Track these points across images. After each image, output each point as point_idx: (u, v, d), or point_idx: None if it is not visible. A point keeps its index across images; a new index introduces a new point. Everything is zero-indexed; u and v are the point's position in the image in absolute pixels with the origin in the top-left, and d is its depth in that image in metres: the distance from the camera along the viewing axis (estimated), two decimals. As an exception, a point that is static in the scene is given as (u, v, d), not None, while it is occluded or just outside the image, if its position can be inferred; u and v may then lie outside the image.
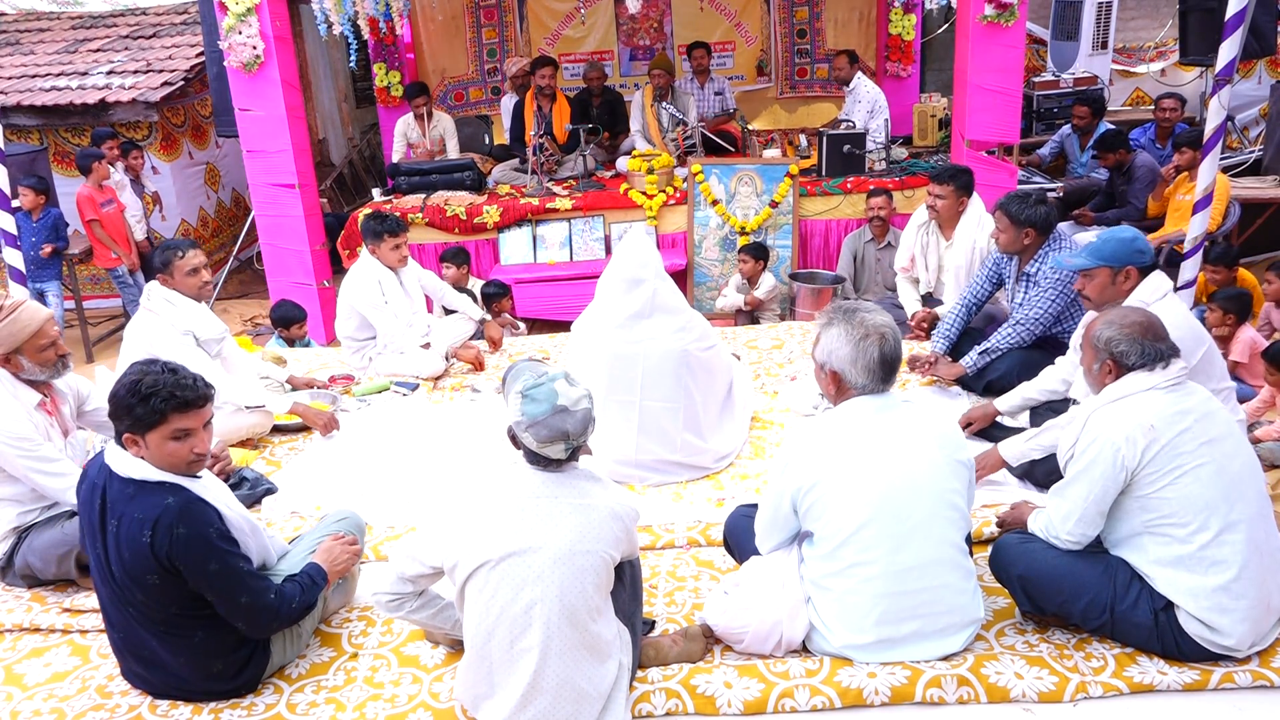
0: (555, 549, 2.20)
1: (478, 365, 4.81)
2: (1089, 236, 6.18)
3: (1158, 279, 3.21)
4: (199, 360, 3.83)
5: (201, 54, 7.69)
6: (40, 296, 6.47)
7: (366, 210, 6.76)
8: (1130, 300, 3.13)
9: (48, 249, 6.59)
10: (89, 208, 6.66)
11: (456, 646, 2.57)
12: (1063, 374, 3.54)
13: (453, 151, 7.70)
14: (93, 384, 3.40)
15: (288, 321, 5.65)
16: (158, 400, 2.35)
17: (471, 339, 5.12)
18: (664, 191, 6.68)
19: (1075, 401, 3.19)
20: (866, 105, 7.29)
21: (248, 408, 4.04)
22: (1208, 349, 3.13)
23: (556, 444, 2.24)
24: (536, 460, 2.30)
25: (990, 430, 3.78)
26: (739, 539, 2.80)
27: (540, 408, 2.24)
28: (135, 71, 7.93)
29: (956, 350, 4.37)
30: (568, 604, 2.19)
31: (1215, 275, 5.25)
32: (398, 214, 5.27)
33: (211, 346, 4.02)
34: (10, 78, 8.00)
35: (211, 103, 7.54)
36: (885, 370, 2.49)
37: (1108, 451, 2.40)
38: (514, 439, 2.33)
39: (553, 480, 2.29)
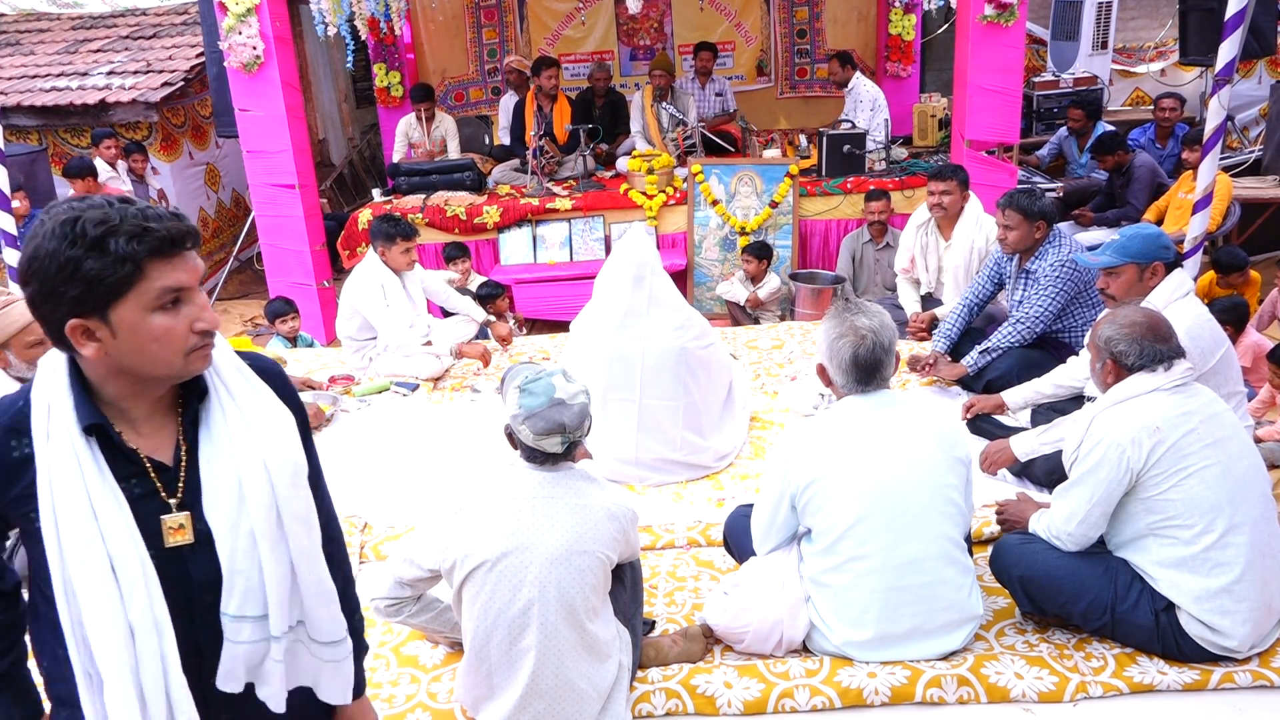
0: (552, 549, 2.19)
1: (485, 360, 4.80)
2: (1090, 236, 6.19)
3: (1180, 276, 3.20)
4: None
5: (201, 54, 7.68)
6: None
7: (368, 211, 6.77)
8: (1152, 297, 3.13)
9: None
10: None
11: (457, 647, 2.56)
12: (1075, 371, 3.53)
13: (454, 152, 7.70)
14: None
15: (280, 314, 5.64)
16: (122, 241, 1.33)
17: (474, 339, 5.10)
18: (664, 192, 6.67)
19: (1090, 399, 3.17)
20: (866, 104, 7.29)
21: None
22: (1225, 351, 3.11)
23: (553, 436, 2.23)
24: (533, 457, 2.30)
25: (987, 427, 3.78)
26: (739, 539, 2.80)
27: (537, 400, 2.24)
28: (135, 72, 7.93)
29: (957, 351, 4.37)
30: (565, 605, 2.19)
31: (1227, 279, 5.25)
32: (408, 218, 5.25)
33: None
34: (10, 78, 8.00)
35: (211, 103, 7.52)
36: (859, 372, 2.47)
37: (1113, 454, 2.39)
38: (511, 436, 2.33)
39: (550, 480, 2.29)
